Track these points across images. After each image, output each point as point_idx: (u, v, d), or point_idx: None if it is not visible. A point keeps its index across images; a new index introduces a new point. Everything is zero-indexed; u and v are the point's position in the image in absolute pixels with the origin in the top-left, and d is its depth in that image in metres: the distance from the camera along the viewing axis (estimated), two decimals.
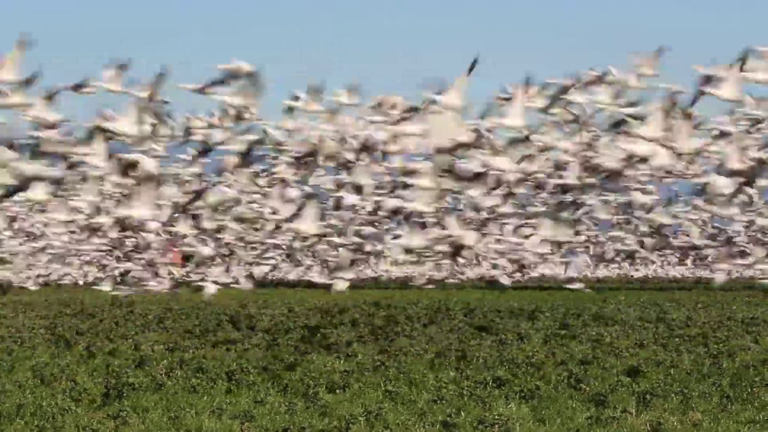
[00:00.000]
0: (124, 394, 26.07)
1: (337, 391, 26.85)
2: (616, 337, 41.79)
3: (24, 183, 13.20)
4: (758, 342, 39.54)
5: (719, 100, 13.21)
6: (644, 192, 17.86)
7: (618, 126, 14.31)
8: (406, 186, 15.42)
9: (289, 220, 15.49)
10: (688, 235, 21.68)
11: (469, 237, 16.26)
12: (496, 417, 22.23)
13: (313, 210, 15.14)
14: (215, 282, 22.41)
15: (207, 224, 17.58)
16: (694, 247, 23.44)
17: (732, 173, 14.46)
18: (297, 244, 20.70)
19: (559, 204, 17.21)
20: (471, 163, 14.76)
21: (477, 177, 15.07)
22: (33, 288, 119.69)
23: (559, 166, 15.87)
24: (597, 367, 30.83)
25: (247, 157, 15.36)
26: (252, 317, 53.99)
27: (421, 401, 25.28)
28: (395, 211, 16.91)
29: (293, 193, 16.24)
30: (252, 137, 14.96)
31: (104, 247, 24.92)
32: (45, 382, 28.49)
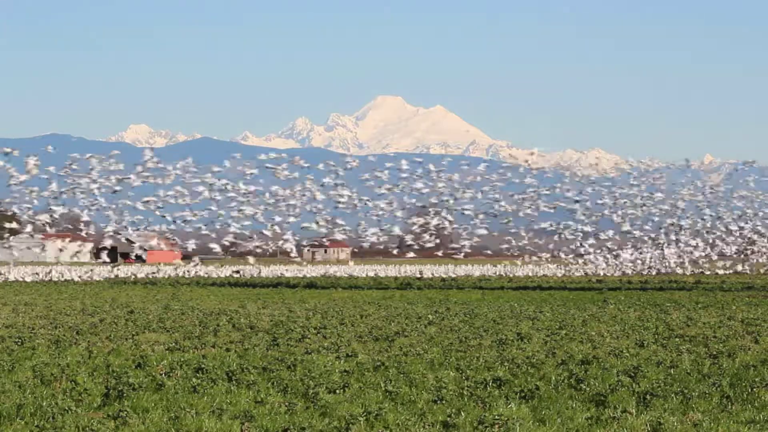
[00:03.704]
0: (124, 394, 26.08)
1: (337, 391, 26.86)
2: (616, 337, 41.85)
3: None
4: (758, 342, 39.58)
5: None
6: None
7: None
8: None
9: None
10: None
11: None
12: (496, 417, 22.23)
13: None
14: None
15: None
16: None
17: None
18: None
19: None
20: None
21: None
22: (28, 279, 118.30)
23: None
24: (597, 367, 30.86)
25: None
26: (252, 317, 54.06)
27: (421, 401, 25.29)
28: None
29: None
30: None
31: None
32: (45, 382, 28.50)
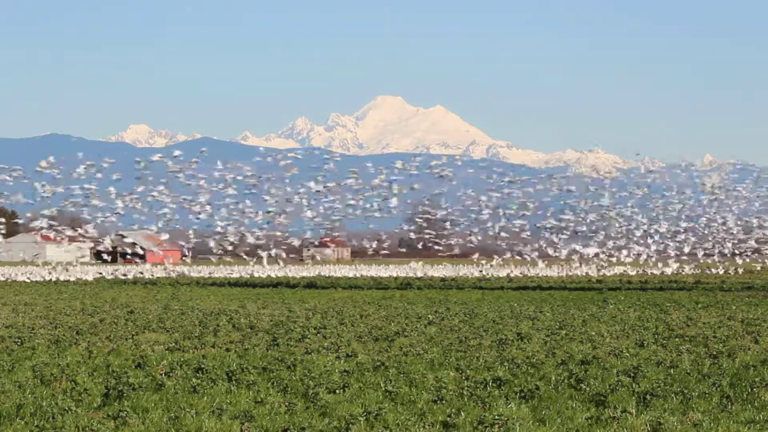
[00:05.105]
0: (124, 394, 26.08)
1: (337, 391, 26.86)
2: (616, 337, 41.85)
3: None
4: (758, 342, 39.58)
5: None
6: None
7: None
8: None
9: None
10: None
11: None
12: (496, 417, 22.23)
13: None
14: None
15: None
16: None
17: None
18: None
19: None
20: None
21: None
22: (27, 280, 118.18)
23: None
24: (597, 367, 30.86)
25: None
26: (252, 317, 54.05)
27: (421, 401, 25.29)
28: None
29: None
30: None
31: None
32: (45, 382, 28.49)
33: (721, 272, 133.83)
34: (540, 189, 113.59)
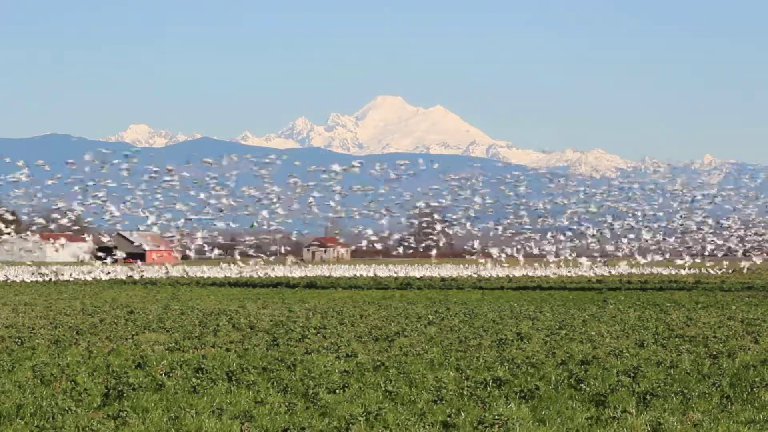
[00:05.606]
0: (124, 394, 26.08)
1: (337, 391, 26.86)
2: (616, 337, 41.86)
3: None
4: (758, 342, 39.59)
5: None
6: None
7: None
8: None
9: None
10: None
11: None
12: (496, 417, 22.23)
13: None
14: None
15: None
16: None
17: None
18: None
19: None
20: None
21: None
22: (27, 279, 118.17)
23: None
24: (597, 367, 30.87)
25: None
26: (252, 317, 54.07)
27: (421, 401, 25.30)
28: None
29: None
30: None
31: None
32: (45, 382, 28.50)
33: (720, 272, 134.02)
34: (503, 190, 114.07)
